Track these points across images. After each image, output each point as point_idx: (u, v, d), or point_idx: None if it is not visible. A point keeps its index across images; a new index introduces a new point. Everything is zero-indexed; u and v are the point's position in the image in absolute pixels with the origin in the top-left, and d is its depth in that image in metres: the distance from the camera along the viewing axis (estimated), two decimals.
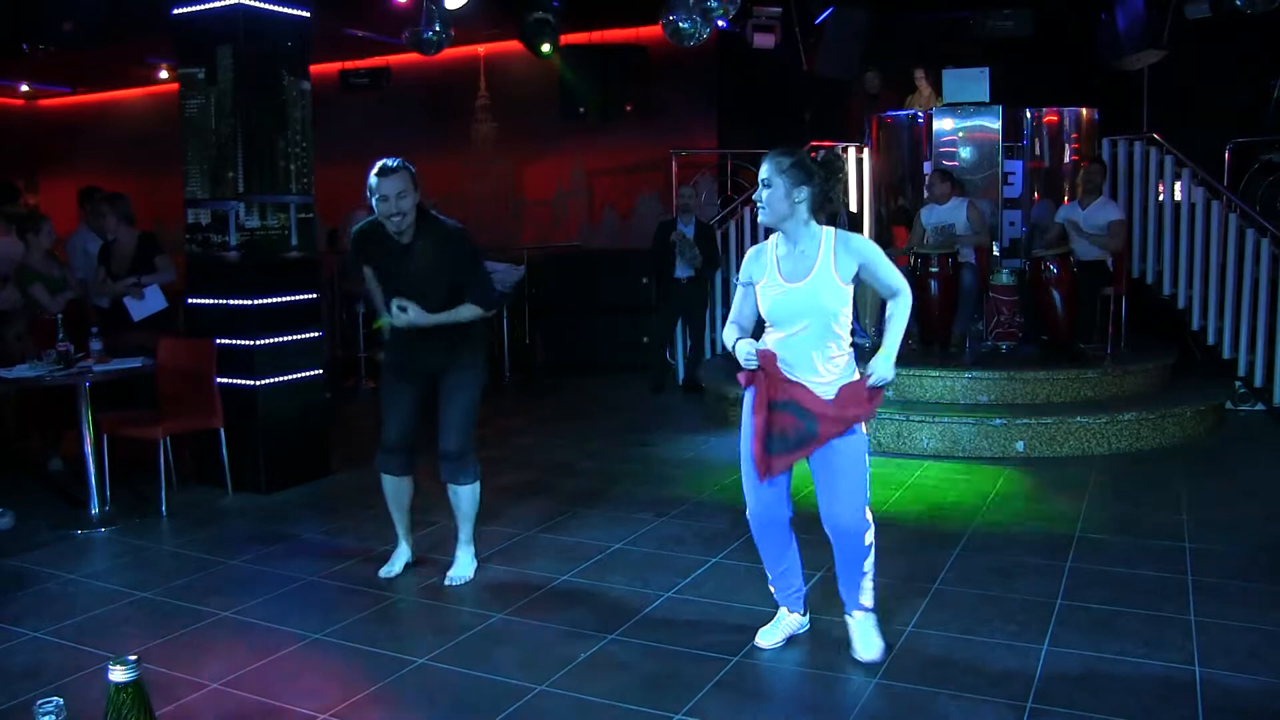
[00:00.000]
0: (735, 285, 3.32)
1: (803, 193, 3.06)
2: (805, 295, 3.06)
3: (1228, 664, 3.12)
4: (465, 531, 4.12)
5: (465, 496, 4.05)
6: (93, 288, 6.16)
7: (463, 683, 3.15)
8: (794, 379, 3.09)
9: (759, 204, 3.12)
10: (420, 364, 3.95)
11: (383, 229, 3.79)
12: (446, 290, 3.82)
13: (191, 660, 3.30)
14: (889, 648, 3.27)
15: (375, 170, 3.69)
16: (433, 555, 4.32)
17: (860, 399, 3.09)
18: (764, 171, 3.09)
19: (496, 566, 4.20)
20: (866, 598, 3.25)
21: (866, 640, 3.24)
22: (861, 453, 3.15)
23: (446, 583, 3.98)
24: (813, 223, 3.11)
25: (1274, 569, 3.95)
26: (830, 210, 3.30)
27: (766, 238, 3.27)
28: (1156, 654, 3.22)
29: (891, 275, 3.12)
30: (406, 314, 3.74)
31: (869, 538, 3.18)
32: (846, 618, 3.30)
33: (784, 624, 3.39)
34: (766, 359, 3.09)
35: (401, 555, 4.21)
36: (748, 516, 3.34)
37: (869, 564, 3.22)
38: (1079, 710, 2.87)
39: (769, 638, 3.36)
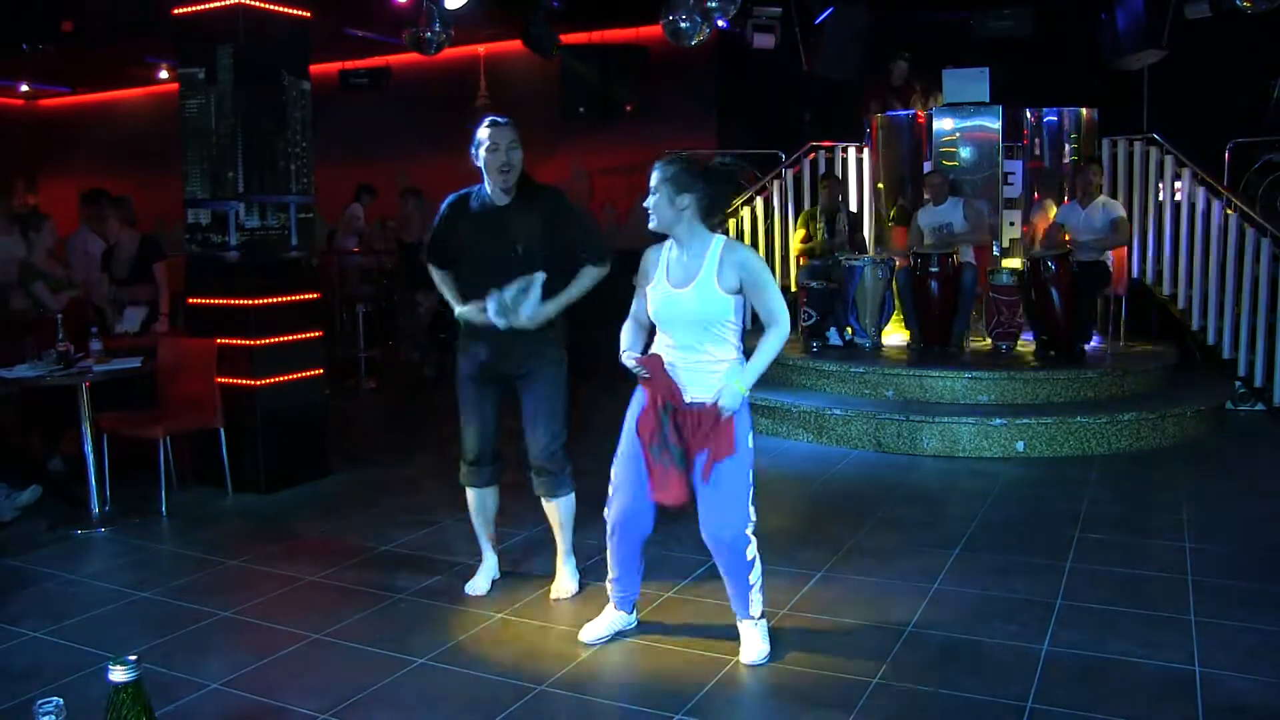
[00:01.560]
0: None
1: (685, 200, 3.09)
2: (687, 301, 3.12)
3: (1228, 664, 3.12)
4: (565, 541, 3.84)
5: (561, 507, 3.79)
6: (95, 292, 6.20)
7: (463, 683, 3.15)
8: (679, 384, 3.16)
9: (649, 209, 3.17)
10: (498, 363, 3.66)
11: (469, 200, 3.61)
12: (550, 257, 3.54)
13: (191, 660, 3.30)
14: (892, 646, 3.27)
15: (485, 124, 3.52)
16: (439, 556, 4.32)
17: (720, 433, 3.09)
18: (651, 179, 3.14)
19: None
20: (755, 608, 3.29)
21: (752, 646, 3.27)
22: (743, 469, 3.16)
23: (553, 598, 3.78)
24: (701, 228, 3.14)
25: (1274, 569, 3.95)
26: (722, 214, 3.29)
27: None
28: (1156, 654, 3.22)
29: (773, 301, 3.11)
30: (515, 314, 3.44)
31: (750, 552, 3.20)
32: (738, 623, 3.32)
33: (610, 620, 3.47)
34: (653, 365, 3.15)
35: (488, 570, 3.96)
36: (613, 513, 3.36)
37: (754, 576, 3.24)
38: (1079, 710, 2.87)
39: (592, 633, 3.43)
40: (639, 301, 3.33)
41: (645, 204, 3.19)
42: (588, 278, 3.65)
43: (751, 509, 3.19)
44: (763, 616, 3.33)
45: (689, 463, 3.17)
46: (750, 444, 3.18)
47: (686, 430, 3.16)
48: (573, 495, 3.80)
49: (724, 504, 3.14)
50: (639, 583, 3.48)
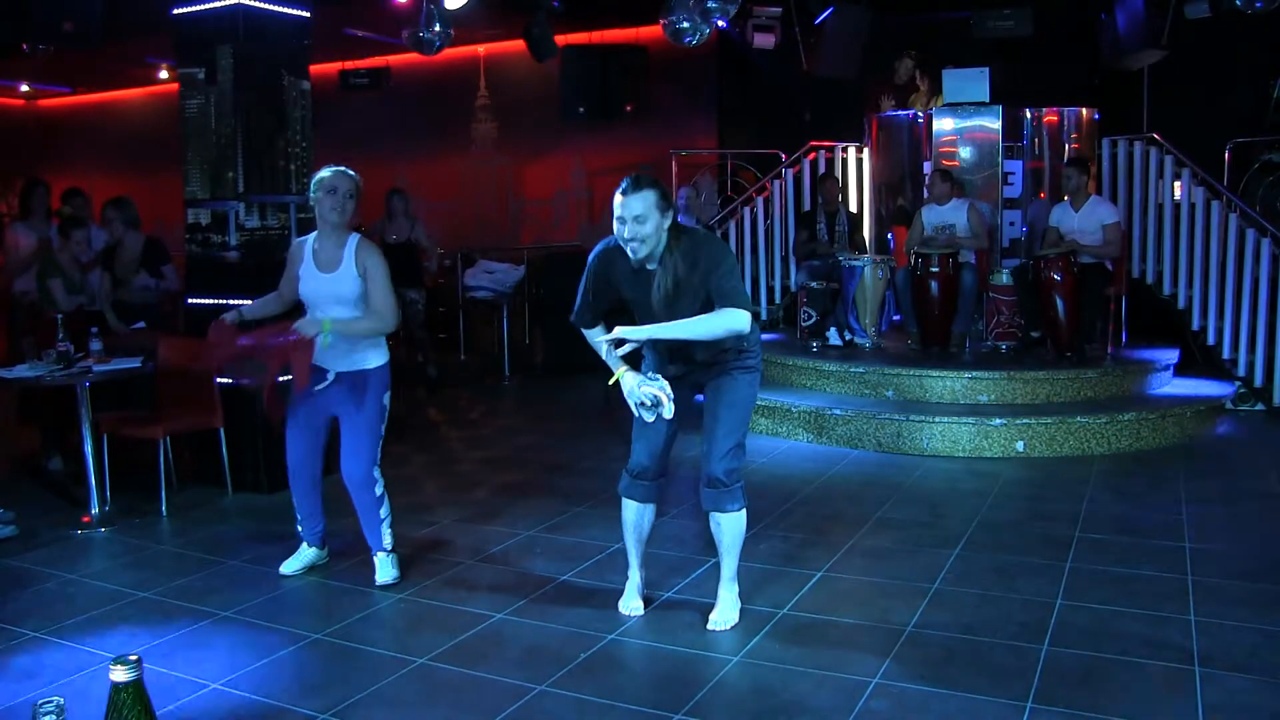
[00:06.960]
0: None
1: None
2: (333, 284, 3.87)
3: (1228, 664, 3.12)
4: (728, 567, 3.55)
5: (728, 527, 3.48)
6: (99, 294, 6.18)
7: (463, 683, 3.15)
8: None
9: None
10: (679, 380, 3.48)
11: (621, 252, 3.37)
12: (697, 310, 3.29)
13: (191, 660, 3.30)
14: (892, 646, 3.28)
15: (621, 186, 3.32)
16: (439, 556, 4.33)
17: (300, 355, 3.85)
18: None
19: (496, 566, 4.20)
20: (387, 540, 4.02)
21: (384, 571, 3.99)
22: (376, 421, 3.94)
23: (710, 627, 3.49)
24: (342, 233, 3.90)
25: (1274, 569, 3.95)
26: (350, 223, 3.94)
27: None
28: (1156, 654, 3.22)
29: (389, 297, 3.88)
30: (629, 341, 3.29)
31: (379, 490, 3.99)
32: (373, 557, 4.02)
33: (304, 555, 4.16)
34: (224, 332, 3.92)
35: (633, 588, 3.73)
36: (288, 461, 4.06)
37: (384, 512, 4.01)
38: (1079, 710, 2.87)
39: (291, 566, 4.12)
40: (283, 285, 4.05)
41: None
42: (719, 320, 3.27)
43: (379, 451, 3.98)
44: (394, 549, 4.02)
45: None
46: (385, 401, 3.97)
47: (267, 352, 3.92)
48: (742, 514, 3.49)
49: (357, 448, 3.91)
50: (322, 519, 4.16)
